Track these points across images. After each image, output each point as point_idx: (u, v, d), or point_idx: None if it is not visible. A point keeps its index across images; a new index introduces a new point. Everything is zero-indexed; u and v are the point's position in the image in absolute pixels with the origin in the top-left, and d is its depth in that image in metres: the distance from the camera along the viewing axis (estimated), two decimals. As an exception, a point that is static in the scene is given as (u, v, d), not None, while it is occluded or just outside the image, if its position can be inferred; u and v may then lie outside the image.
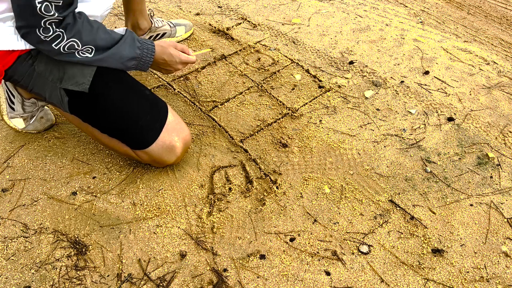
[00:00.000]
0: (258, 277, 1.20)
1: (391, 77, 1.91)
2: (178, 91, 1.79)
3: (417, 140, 1.62)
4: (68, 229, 1.29)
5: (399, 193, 1.43)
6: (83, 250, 1.24)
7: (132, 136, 1.33)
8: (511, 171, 1.52)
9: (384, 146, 1.59)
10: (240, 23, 2.24)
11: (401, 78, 1.91)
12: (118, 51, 1.25)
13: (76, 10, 1.18)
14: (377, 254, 1.27)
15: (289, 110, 1.72)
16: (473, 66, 2.00)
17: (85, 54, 1.21)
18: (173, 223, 1.32)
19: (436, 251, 1.27)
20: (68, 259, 1.21)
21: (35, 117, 1.55)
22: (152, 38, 1.95)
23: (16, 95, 1.48)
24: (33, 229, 1.28)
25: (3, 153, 1.50)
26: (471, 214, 1.38)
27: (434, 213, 1.38)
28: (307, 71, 1.92)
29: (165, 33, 1.98)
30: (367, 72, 1.93)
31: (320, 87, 1.84)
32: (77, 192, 1.39)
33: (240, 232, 1.30)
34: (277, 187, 1.43)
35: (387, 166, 1.52)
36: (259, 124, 1.66)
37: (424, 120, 1.71)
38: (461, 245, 1.30)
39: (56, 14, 1.07)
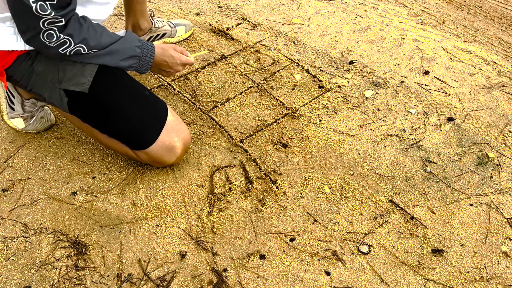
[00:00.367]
0: (258, 277, 1.20)
1: (391, 77, 1.91)
2: (178, 91, 1.79)
3: (417, 140, 1.62)
4: (68, 229, 1.29)
5: (399, 193, 1.43)
6: (83, 250, 1.24)
7: (132, 136, 1.33)
8: (511, 171, 1.52)
9: (384, 146, 1.59)
10: (240, 23, 2.24)
11: (401, 78, 1.91)
12: (119, 49, 1.26)
13: (80, 15, 1.19)
14: (377, 254, 1.27)
15: (289, 110, 1.72)
16: (473, 66, 2.00)
17: (88, 55, 1.22)
18: (173, 223, 1.32)
19: (436, 251, 1.27)
20: (68, 259, 1.21)
21: (35, 117, 1.55)
22: (152, 38, 1.95)
23: (16, 95, 1.48)
24: (33, 229, 1.28)
25: (3, 153, 1.50)
26: (471, 214, 1.38)
27: (434, 213, 1.38)
28: (307, 71, 1.92)
29: (165, 33, 1.98)
30: (367, 72, 1.93)
31: (320, 87, 1.84)
32: (77, 192, 1.39)
33: (240, 232, 1.30)
34: (277, 187, 1.43)
35: (387, 166, 1.52)
36: (259, 124, 1.66)
37: (424, 120, 1.71)
38: (461, 245, 1.30)
39: (53, 13, 1.07)
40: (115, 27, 2.18)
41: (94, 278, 1.18)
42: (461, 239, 1.31)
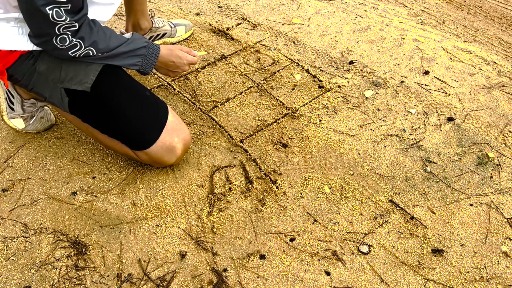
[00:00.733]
0: (258, 277, 1.20)
1: (391, 77, 1.91)
2: (178, 91, 1.79)
3: (417, 140, 1.62)
4: (68, 229, 1.29)
5: (399, 193, 1.43)
6: (83, 250, 1.24)
7: (132, 137, 1.33)
8: (511, 171, 1.52)
9: (384, 146, 1.59)
10: (240, 23, 2.24)
11: (401, 78, 1.91)
12: (126, 50, 1.27)
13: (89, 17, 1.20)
14: (377, 254, 1.27)
15: (289, 110, 1.72)
16: (473, 66, 2.00)
17: (95, 57, 1.24)
18: (173, 223, 1.32)
19: (436, 251, 1.27)
20: (68, 259, 1.22)
21: (35, 117, 1.55)
22: (152, 38, 1.95)
23: (15, 96, 1.48)
24: (33, 229, 1.28)
25: (3, 153, 1.50)
26: (471, 214, 1.38)
27: (434, 213, 1.38)
28: (307, 71, 1.92)
29: (166, 33, 1.98)
30: (367, 72, 1.93)
31: (320, 87, 1.84)
32: (77, 192, 1.39)
33: (240, 232, 1.30)
34: (277, 187, 1.43)
35: (387, 166, 1.52)
36: (259, 124, 1.66)
37: (424, 120, 1.71)
38: (461, 245, 1.30)
39: (68, 19, 1.09)
40: (115, 27, 2.18)
41: (94, 278, 1.18)
42: (461, 239, 1.31)
